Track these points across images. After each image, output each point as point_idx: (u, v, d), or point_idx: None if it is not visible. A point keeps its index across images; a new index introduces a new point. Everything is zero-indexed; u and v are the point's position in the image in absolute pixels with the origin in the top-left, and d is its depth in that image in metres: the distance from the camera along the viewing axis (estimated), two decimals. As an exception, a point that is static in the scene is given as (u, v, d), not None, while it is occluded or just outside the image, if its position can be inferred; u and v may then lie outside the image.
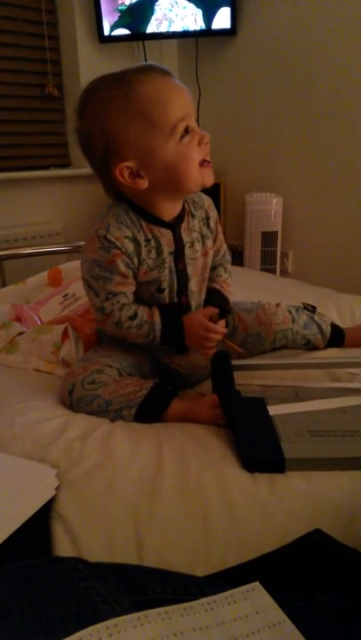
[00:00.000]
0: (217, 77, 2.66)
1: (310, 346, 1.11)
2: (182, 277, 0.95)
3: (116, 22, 2.49)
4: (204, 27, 2.49)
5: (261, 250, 2.46)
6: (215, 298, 1.03)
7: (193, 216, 0.97)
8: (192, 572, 0.61)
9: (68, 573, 0.46)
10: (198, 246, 0.97)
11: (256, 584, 0.49)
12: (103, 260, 0.88)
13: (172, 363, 1.00)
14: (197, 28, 2.49)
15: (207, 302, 1.02)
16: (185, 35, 2.53)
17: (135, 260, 0.90)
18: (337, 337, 1.14)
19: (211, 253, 1.01)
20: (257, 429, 0.79)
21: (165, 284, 0.94)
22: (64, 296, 1.39)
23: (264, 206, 2.42)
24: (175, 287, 0.95)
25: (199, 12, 2.47)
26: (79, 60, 2.51)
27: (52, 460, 0.75)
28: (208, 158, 0.89)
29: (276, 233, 2.44)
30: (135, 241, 0.89)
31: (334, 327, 1.15)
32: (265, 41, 2.43)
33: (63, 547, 0.65)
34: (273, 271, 2.47)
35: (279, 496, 0.70)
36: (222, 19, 2.46)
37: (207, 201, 1.01)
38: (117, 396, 0.88)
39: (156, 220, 0.91)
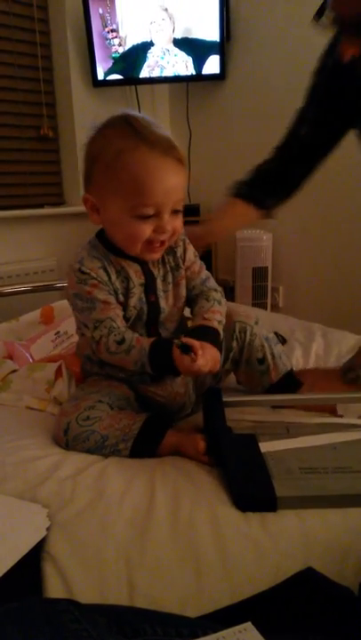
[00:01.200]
0: (207, 120, 2.75)
1: (264, 367, 1.04)
2: (154, 309, 0.97)
3: (109, 68, 2.58)
4: (194, 72, 2.58)
5: (252, 285, 2.50)
6: (195, 335, 0.93)
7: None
8: (184, 613, 0.61)
9: (59, 615, 0.46)
10: (170, 277, 0.99)
11: (248, 624, 0.49)
12: (82, 292, 0.92)
13: (148, 392, 0.99)
14: (188, 73, 2.59)
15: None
16: (176, 80, 2.63)
17: (111, 288, 0.93)
18: (291, 385, 1.07)
19: (183, 283, 1.01)
20: (249, 467, 0.79)
21: (130, 314, 0.95)
22: (56, 334, 1.40)
23: (254, 242, 2.47)
24: (145, 318, 0.96)
25: (190, 60, 2.56)
26: (73, 103, 2.59)
27: (44, 500, 0.75)
28: (162, 239, 0.90)
29: (266, 268, 2.49)
30: (106, 272, 0.92)
31: (290, 375, 1.07)
32: (253, 85, 2.52)
33: (54, 588, 0.64)
34: (264, 306, 2.50)
35: (272, 535, 0.70)
36: (212, 65, 2.55)
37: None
38: (113, 430, 0.88)
39: (122, 254, 0.94)
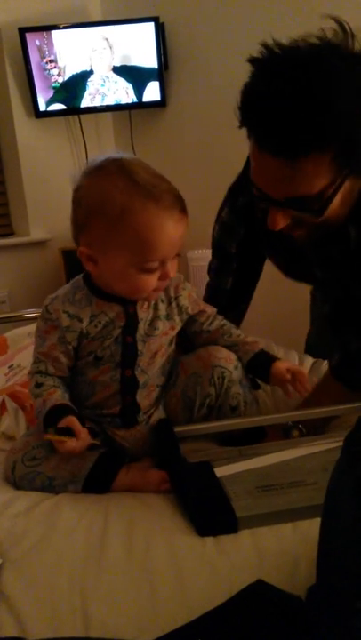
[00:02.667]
0: (151, 145, 2.80)
1: (235, 415, 1.01)
2: (130, 351, 0.94)
3: (51, 98, 2.59)
4: (135, 99, 2.63)
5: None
6: (258, 364, 1.00)
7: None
8: (140, 638, 0.61)
9: (5, 654, 0.45)
10: (160, 324, 0.96)
11: (198, 643, 0.49)
12: (40, 329, 0.94)
13: (117, 436, 0.97)
14: (129, 100, 2.63)
15: (257, 368, 1.01)
16: (118, 108, 2.67)
17: (70, 336, 0.91)
18: (257, 433, 1.04)
19: (172, 333, 0.99)
20: (206, 493, 0.80)
21: (102, 354, 0.93)
22: (9, 367, 1.38)
23: (206, 262, 2.49)
24: (118, 359, 0.93)
25: (130, 86, 2.61)
26: (16, 135, 2.60)
27: (-5, 538, 0.74)
28: (165, 285, 0.92)
29: (218, 287, 2.52)
30: (75, 317, 0.91)
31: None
32: (192, 111, 2.59)
33: (6, 627, 0.62)
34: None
35: (225, 552, 0.71)
36: (152, 92, 2.61)
37: (176, 280, 0.98)
38: (60, 470, 0.86)
39: (106, 296, 0.92)
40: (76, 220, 0.89)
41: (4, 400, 1.10)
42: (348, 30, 0.78)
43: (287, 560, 0.70)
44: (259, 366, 1.00)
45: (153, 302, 0.96)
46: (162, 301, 0.97)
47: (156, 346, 0.96)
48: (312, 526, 0.73)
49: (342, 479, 0.55)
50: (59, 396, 0.90)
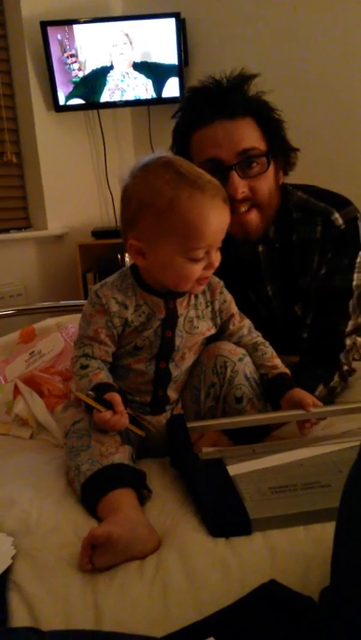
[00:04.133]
0: (169, 141, 2.79)
1: (241, 407, 1.00)
2: (167, 345, 0.97)
3: (70, 93, 2.61)
4: (154, 95, 2.63)
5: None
6: (279, 386, 1.00)
7: (196, 295, 1.00)
8: (150, 633, 0.61)
9: (19, 644, 0.45)
10: (200, 324, 0.99)
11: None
12: (87, 312, 0.96)
13: (144, 420, 1.00)
14: (148, 96, 2.63)
15: (278, 392, 1.00)
16: (137, 103, 2.67)
17: (117, 321, 0.94)
18: (263, 428, 1.03)
19: (208, 334, 1.01)
20: (219, 492, 0.79)
21: (142, 344, 0.96)
22: (30, 354, 1.39)
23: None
24: (155, 351, 0.96)
25: (149, 82, 2.61)
26: (36, 129, 2.61)
27: (9, 528, 0.75)
28: (209, 274, 0.94)
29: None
30: (122, 304, 0.94)
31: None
32: (212, 107, 2.58)
33: (20, 617, 0.63)
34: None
35: (237, 551, 0.71)
36: (172, 87, 2.60)
37: (215, 284, 1.01)
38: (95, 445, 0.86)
39: (149, 289, 0.96)
40: (126, 217, 0.92)
41: (16, 385, 1.11)
42: None
43: (300, 561, 0.70)
44: (276, 387, 1.01)
45: (193, 302, 0.99)
46: (203, 302, 1.01)
47: (192, 343, 0.99)
48: (325, 528, 0.73)
49: (357, 484, 0.55)
50: (104, 376, 0.93)
